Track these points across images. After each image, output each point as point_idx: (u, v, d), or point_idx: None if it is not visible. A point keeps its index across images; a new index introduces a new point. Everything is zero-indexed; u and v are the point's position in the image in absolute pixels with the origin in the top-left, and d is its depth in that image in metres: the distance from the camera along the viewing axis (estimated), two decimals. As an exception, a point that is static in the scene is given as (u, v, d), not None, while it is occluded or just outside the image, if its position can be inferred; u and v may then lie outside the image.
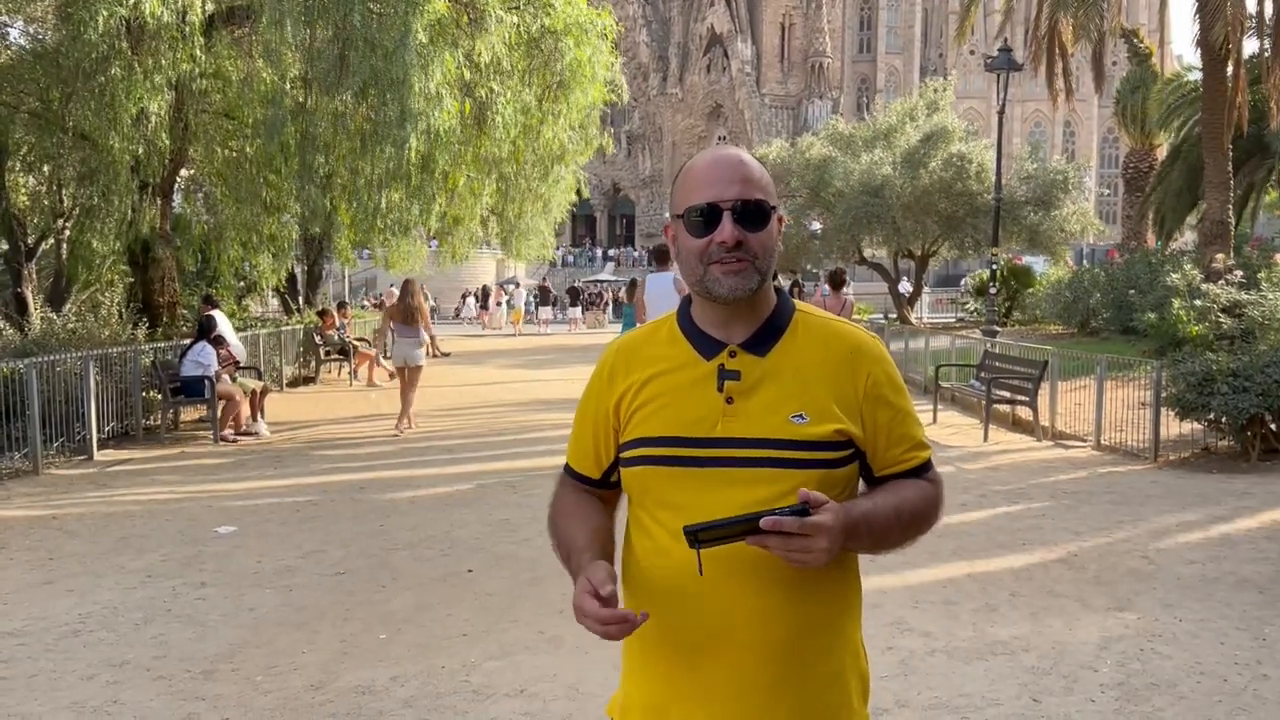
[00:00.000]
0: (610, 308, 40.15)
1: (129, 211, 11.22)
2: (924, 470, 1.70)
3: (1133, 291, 16.95)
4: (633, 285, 26.41)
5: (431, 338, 22.06)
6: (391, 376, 16.88)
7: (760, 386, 1.62)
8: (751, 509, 1.48)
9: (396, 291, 12.34)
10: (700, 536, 1.46)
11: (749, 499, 1.53)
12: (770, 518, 1.44)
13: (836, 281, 12.54)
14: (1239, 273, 14.65)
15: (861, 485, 1.70)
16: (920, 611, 4.99)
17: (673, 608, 1.60)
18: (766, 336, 1.65)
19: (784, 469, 1.57)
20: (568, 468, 1.82)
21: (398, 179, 12.68)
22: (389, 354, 12.38)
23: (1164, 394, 9.05)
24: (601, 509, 1.77)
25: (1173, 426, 9.28)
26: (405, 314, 11.43)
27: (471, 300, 41.53)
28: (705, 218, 1.61)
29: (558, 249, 35.08)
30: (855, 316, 23.92)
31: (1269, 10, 17.59)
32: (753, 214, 1.61)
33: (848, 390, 1.63)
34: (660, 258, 9.18)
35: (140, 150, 10.99)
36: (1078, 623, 4.84)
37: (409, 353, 11.38)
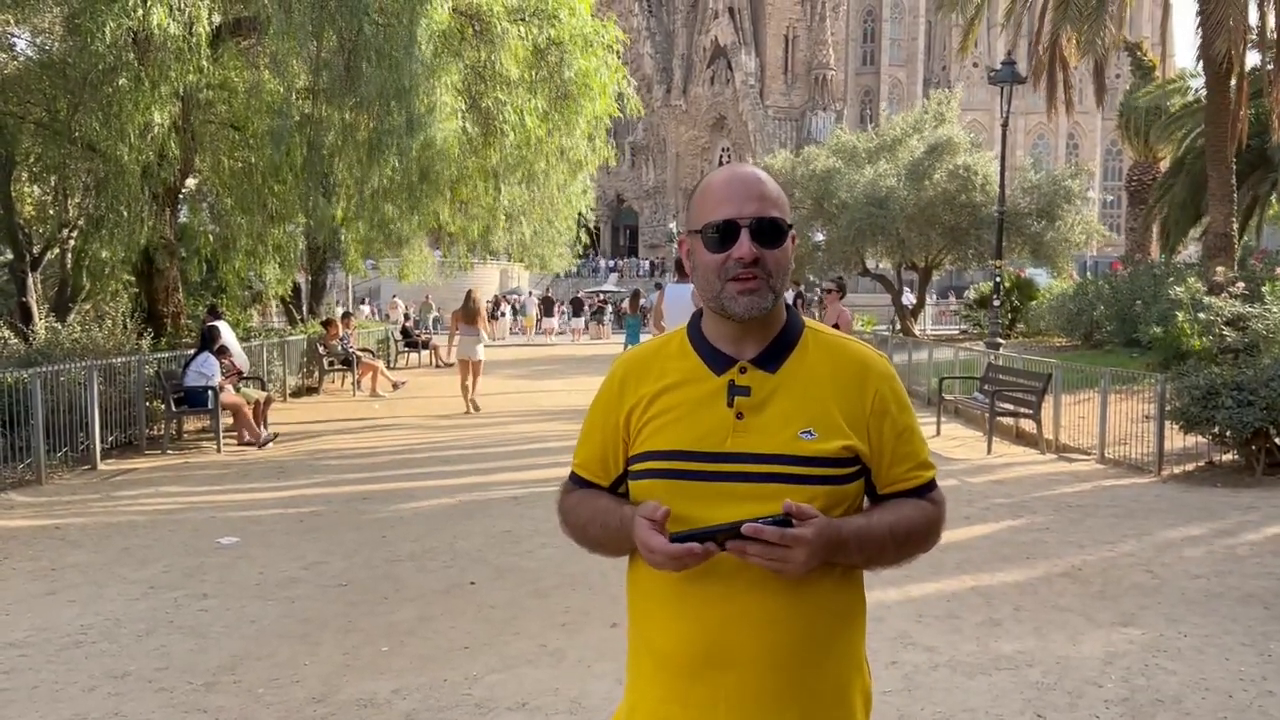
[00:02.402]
0: (610, 318, 39.93)
1: (138, 222, 11.25)
2: (927, 490, 1.71)
3: (1137, 304, 16.93)
4: (635, 296, 26.34)
5: (435, 348, 22.38)
6: (395, 387, 17.01)
7: (770, 402, 1.63)
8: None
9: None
10: (686, 544, 1.51)
11: (756, 514, 1.54)
12: (750, 524, 1.48)
13: (842, 290, 12.45)
14: (1243, 285, 14.63)
15: (865, 502, 1.71)
16: (924, 625, 4.97)
17: (679, 619, 1.62)
18: (777, 353, 1.67)
19: (792, 485, 1.58)
20: (575, 476, 1.82)
21: (403, 189, 12.73)
22: (452, 352, 15.14)
23: (1168, 407, 9.03)
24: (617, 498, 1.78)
25: (1177, 440, 9.25)
26: (468, 317, 14.29)
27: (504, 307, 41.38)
28: (723, 234, 1.63)
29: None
30: (857, 328, 23.91)
31: (1271, 24, 17.62)
32: (769, 231, 1.63)
33: (855, 407, 1.65)
34: (682, 268, 9.17)
35: (148, 160, 11.03)
36: (1082, 637, 4.82)
37: (471, 349, 14.14)
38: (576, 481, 1.81)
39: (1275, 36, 17.06)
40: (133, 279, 14.24)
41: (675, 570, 1.54)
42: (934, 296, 36.43)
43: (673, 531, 1.53)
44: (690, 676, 1.61)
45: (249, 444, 10.93)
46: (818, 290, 13.07)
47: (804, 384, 1.65)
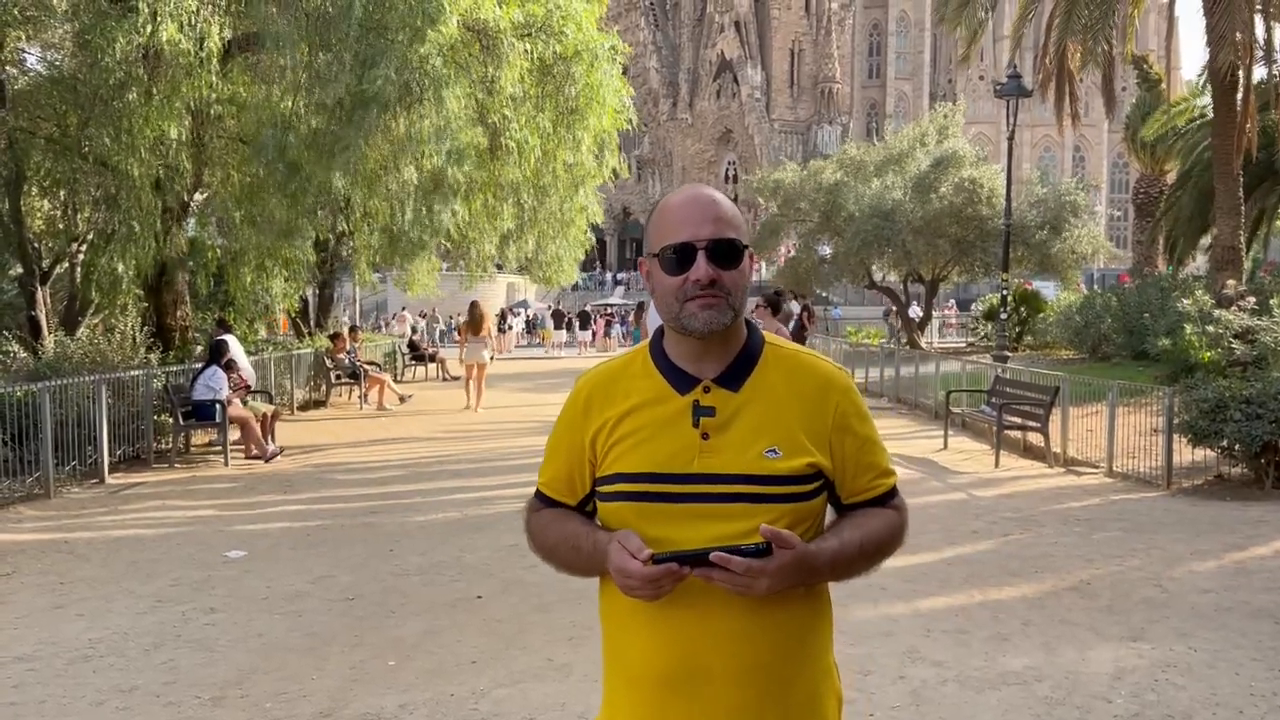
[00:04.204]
0: (616, 330, 39.95)
1: (149, 236, 11.29)
2: (890, 497, 1.75)
3: (1144, 317, 16.89)
4: (640, 307, 26.36)
5: (442, 361, 22.63)
6: (402, 400, 17.03)
7: (734, 422, 1.65)
8: (725, 543, 1.54)
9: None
10: (666, 564, 1.54)
11: (724, 533, 1.58)
12: (717, 553, 1.50)
13: (776, 305, 11.16)
14: (1251, 298, 14.59)
15: (830, 512, 1.74)
16: (932, 640, 4.95)
17: (651, 637, 1.64)
18: (739, 371, 1.69)
19: (758, 504, 1.61)
20: (540, 495, 1.82)
21: (411, 203, 12.76)
22: (462, 358, 16.49)
23: (1176, 420, 8.99)
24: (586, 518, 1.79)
25: (1185, 453, 9.22)
26: (474, 327, 15.97)
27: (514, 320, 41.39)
28: (679, 256, 1.64)
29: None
30: (864, 341, 23.86)
31: (1278, 38, 17.61)
32: (725, 252, 1.64)
33: (817, 422, 1.68)
34: None
35: (158, 174, 11.08)
36: (1091, 652, 4.80)
37: (478, 354, 15.83)
38: (543, 500, 1.81)
39: (1281, 49, 17.06)
40: (141, 293, 14.28)
41: (651, 597, 1.56)
42: (941, 308, 36.36)
43: (654, 553, 1.55)
44: (664, 693, 1.63)
45: (255, 458, 10.95)
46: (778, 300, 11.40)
47: (767, 402, 1.67)
